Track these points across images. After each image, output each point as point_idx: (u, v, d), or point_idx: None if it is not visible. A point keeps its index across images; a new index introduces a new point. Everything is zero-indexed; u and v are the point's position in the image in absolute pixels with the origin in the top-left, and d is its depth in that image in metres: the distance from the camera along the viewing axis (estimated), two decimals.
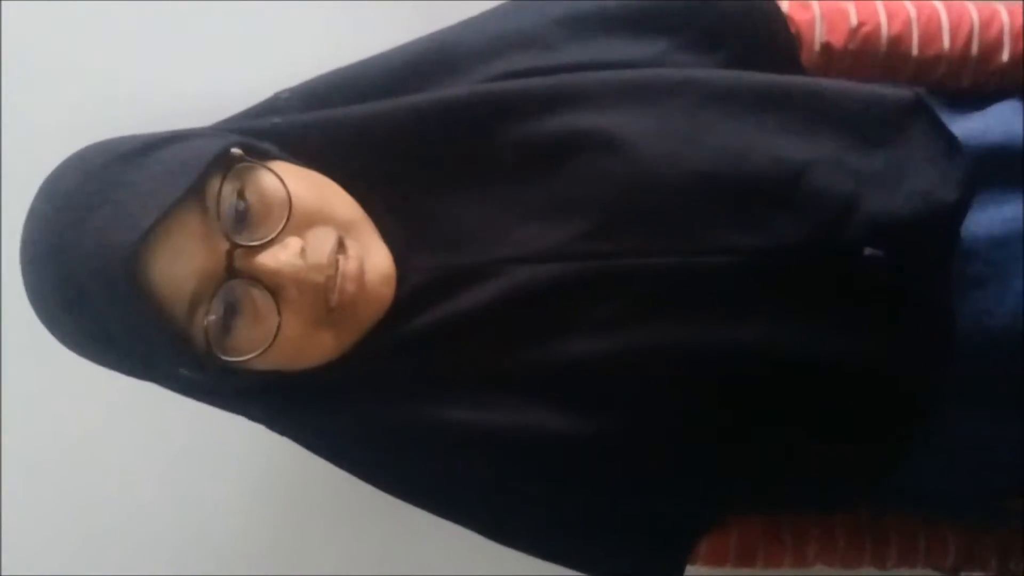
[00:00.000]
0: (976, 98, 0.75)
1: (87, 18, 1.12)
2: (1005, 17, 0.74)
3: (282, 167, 0.67)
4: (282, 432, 0.77)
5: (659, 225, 0.67)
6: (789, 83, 0.70)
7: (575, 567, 0.79)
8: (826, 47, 0.74)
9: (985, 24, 0.74)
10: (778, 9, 0.74)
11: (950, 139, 0.67)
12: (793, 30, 0.74)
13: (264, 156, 0.68)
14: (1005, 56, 0.74)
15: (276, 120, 0.74)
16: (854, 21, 0.74)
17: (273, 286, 0.63)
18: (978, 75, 0.75)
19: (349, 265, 0.66)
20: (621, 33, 0.74)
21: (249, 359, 0.64)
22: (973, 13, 0.74)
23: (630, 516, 0.75)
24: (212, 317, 0.63)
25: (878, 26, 0.74)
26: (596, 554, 0.78)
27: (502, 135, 0.70)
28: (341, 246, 0.66)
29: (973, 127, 0.72)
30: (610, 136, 0.68)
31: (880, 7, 0.75)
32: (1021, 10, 0.74)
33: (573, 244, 0.68)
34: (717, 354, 0.66)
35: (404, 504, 0.78)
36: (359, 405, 0.72)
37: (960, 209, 0.66)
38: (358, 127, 0.72)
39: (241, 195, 0.64)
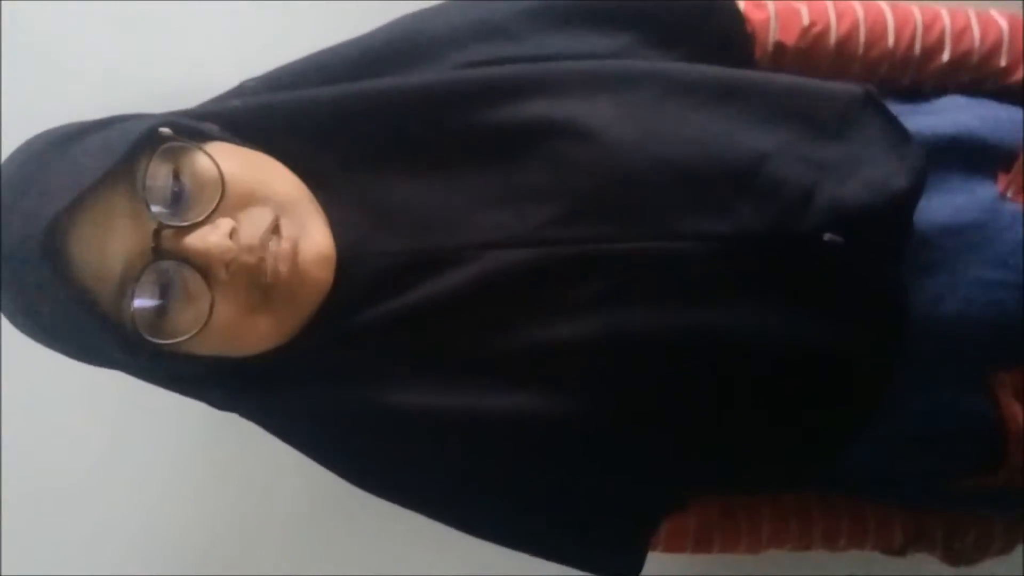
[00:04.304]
0: (918, 96, 0.79)
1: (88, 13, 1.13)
2: (947, 20, 0.78)
3: (220, 148, 0.67)
4: (248, 418, 0.75)
5: (627, 211, 0.68)
6: (748, 77, 0.72)
7: (539, 554, 0.78)
8: (779, 45, 0.78)
9: (928, 26, 0.78)
10: (736, 9, 0.77)
11: (900, 130, 0.70)
12: (749, 29, 0.77)
13: (200, 137, 0.68)
14: (946, 56, 0.78)
15: (235, 103, 0.74)
16: (806, 21, 0.77)
17: (203, 267, 0.63)
18: (919, 74, 0.79)
19: (281, 246, 0.65)
20: (586, 27, 0.75)
21: (181, 341, 0.64)
22: (917, 15, 0.78)
23: (596, 499, 0.76)
24: (139, 299, 0.62)
25: (828, 26, 0.77)
26: (561, 540, 0.78)
27: (468, 122, 0.70)
28: (276, 227, 0.66)
29: (923, 120, 0.75)
30: (577, 124, 0.69)
31: (830, 7, 0.78)
32: (962, 13, 0.79)
33: (542, 230, 0.68)
34: (685, 338, 0.68)
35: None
36: (324, 391, 0.71)
37: (912, 195, 0.69)
38: (317, 110, 0.72)
39: (177, 176, 0.64)
